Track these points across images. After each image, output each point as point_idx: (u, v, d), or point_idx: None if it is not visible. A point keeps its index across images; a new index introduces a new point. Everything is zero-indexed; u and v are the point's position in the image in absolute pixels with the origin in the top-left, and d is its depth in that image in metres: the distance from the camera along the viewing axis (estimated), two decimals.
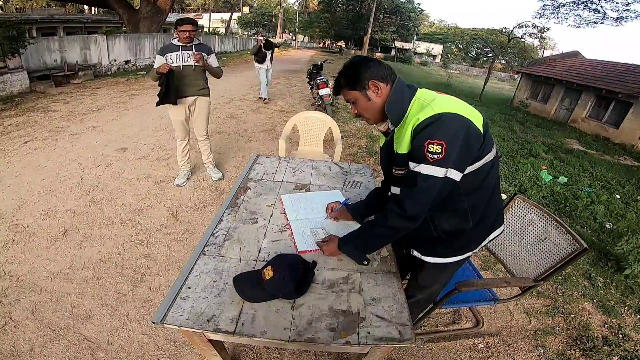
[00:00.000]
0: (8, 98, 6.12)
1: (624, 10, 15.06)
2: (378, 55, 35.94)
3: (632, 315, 2.36)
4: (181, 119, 3.10)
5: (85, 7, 23.22)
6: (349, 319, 1.08)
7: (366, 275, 1.28)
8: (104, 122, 5.15)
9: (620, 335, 2.15)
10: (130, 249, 2.49)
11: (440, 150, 1.01)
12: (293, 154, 3.14)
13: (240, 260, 1.30)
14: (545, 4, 17.50)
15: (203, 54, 2.93)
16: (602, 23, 16.33)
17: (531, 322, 2.19)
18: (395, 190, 1.25)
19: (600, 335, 2.14)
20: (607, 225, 3.66)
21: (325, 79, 6.51)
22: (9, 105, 5.71)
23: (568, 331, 2.15)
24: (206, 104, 3.19)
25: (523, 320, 2.20)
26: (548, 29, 20.02)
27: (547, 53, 32.48)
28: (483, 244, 1.34)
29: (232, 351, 1.79)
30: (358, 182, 2.05)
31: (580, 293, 2.51)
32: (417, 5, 37.73)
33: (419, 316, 1.75)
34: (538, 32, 19.97)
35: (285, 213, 1.63)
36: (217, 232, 1.45)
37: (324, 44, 54.02)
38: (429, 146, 1.02)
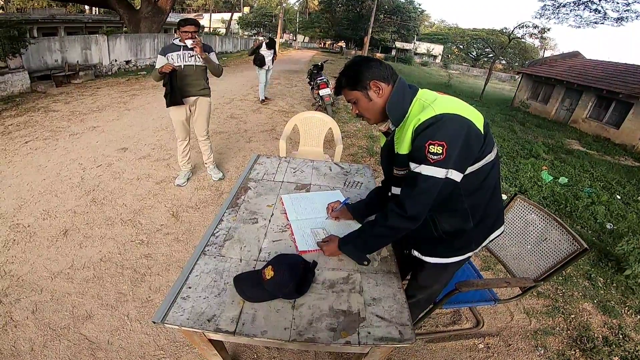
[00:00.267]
0: (9, 98, 6.13)
1: (625, 11, 15.05)
2: (378, 55, 35.92)
3: (633, 316, 2.36)
4: (182, 119, 3.10)
5: (86, 7, 23.26)
6: (349, 319, 1.09)
7: (366, 275, 1.28)
8: (104, 122, 5.15)
9: (621, 336, 2.15)
10: (131, 248, 2.50)
11: (441, 151, 1.01)
12: (293, 154, 3.15)
13: (241, 260, 1.30)
14: (545, 4, 17.48)
15: (200, 64, 2.95)
16: (602, 23, 16.31)
17: (531, 323, 2.19)
18: (396, 190, 1.25)
19: (600, 336, 2.14)
20: (608, 226, 3.66)
21: (325, 79, 6.51)
22: (10, 105, 5.72)
23: (568, 331, 2.15)
24: (207, 104, 3.19)
25: (523, 321, 2.20)
26: (548, 29, 19.98)
27: (547, 53, 32.50)
28: (484, 244, 1.34)
29: (232, 351, 1.79)
30: (358, 182, 2.05)
31: (580, 293, 2.51)
32: (417, 6, 37.69)
33: (419, 316, 1.75)
34: (538, 32, 19.95)
35: (285, 213, 1.64)
36: (217, 232, 1.46)
37: (325, 44, 54.05)
38: (430, 147, 1.02)
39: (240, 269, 1.25)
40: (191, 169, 3.59)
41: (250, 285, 1.13)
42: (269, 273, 1.12)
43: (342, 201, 1.65)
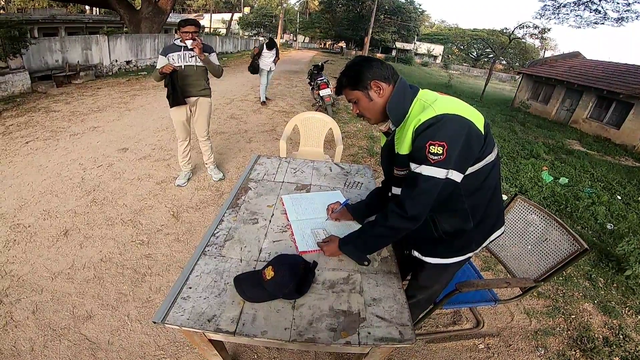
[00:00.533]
0: (9, 98, 6.14)
1: (625, 11, 15.05)
2: (379, 56, 35.90)
3: (633, 316, 2.36)
4: (182, 119, 3.11)
5: (87, 7, 23.30)
6: (349, 319, 1.09)
7: (366, 276, 1.28)
8: (105, 123, 5.16)
9: (621, 336, 2.15)
10: (131, 249, 2.50)
11: (441, 152, 1.01)
12: (294, 154, 3.15)
13: (241, 261, 1.30)
14: (545, 5, 17.50)
15: (200, 64, 2.95)
16: (602, 24, 16.32)
17: (532, 323, 2.19)
18: (396, 190, 1.25)
19: (601, 336, 2.14)
20: (608, 226, 3.66)
21: (326, 80, 6.51)
22: (11, 105, 5.73)
23: (569, 332, 2.15)
24: (207, 104, 3.19)
25: (524, 321, 2.20)
26: (549, 30, 20.01)
27: (548, 53, 32.50)
28: (484, 244, 1.34)
29: (232, 351, 1.79)
30: (359, 182, 2.05)
31: (581, 294, 2.51)
32: (417, 6, 37.72)
33: (420, 317, 1.75)
34: (539, 32, 19.98)
35: (286, 213, 1.64)
36: (218, 232, 1.46)
37: (325, 44, 54.09)
38: (430, 147, 1.02)
39: (240, 269, 1.25)
40: (191, 170, 3.59)
41: (250, 286, 1.13)
42: (269, 273, 1.12)
43: (342, 202, 1.65)
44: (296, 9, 45.12)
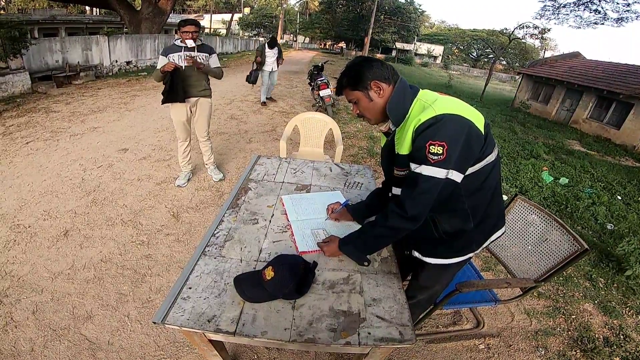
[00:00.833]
0: (10, 98, 6.15)
1: (625, 11, 15.06)
2: (379, 56, 35.92)
3: (634, 316, 2.35)
4: (183, 119, 3.11)
5: (87, 8, 23.31)
6: (349, 320, 1.08)
7: (367, 276, 1.28)
8: (105, 123, 5.16)
9: (622, 336, 2.15)
10: (131, 249, 2.50)
11: (441, 152, 1.01)
12: (294, 154, 3.15)
13: (241, 261, 1.30)
14: (545, 5, 17.51)
15: (202, 56, 2.94)
16: (602, 24, 16.33)
17: (532, 323, 2.18)
18: (396, 190, 1.25)
19: (601, 336, 2.13)
20: (608, 226, 3.66)
21: (326, 80, 6.51)
22: (11, 105, 5.73)
23: (569, 332, 2.15)
24: (208, 104, 3.19)
25: (524, 321, 2.20)
26: (549, 30, 20.01)
27: (548, 54, 32.49)
28: (484, 245, 1.34)
29: (232, 351, 1.79)
30: (359, 183, 2.05)
31: (581, 294, 2.51)
32: (417, 6, 37.72)
33: (420, 317, 1.75)
34: (539, 32, 19.98)
35: (286, 214, 1.64)
36: (218, 232, 1.46)
37: (325, 45, 54.10)
38: (430, 147, 1.02)
39: (240, 269, 1.25)
40: (192, 170, 3.59)
41: (250, 286, 1.13)
42: (269, 273, 1.12)
43: (342, 202, 1.65)
44: (296, 9, 45.19)
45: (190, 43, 2.86)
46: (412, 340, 1.03)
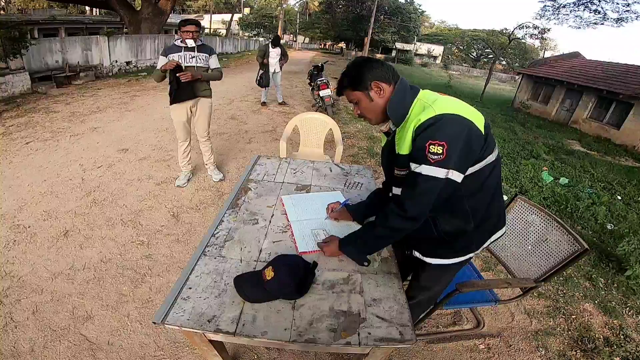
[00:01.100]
0: (10, 99, 6.14)
1: (625, 12, 15.07)
2: (379, 56, 35.89)
3: (634, 316, 2.35)
4: (183, 120, 3.11)
5: (87, 8, 23.31)
6: (349, 320, 1.08)
7: (367, 276, 1.28)
8: (105, 123, 5.16)
9: (622, 336, 2.14)
10: (131, 249, 2.50)
11: (441, 151, 1.01)
12: (294, 155, 3.15)
13: (241, 261, 1.30)
14: (545, 5, 17.52)
15: (201, 57, 2.95)
16: (602, 24, 16.34)
17: (532, 323, 2.18)
18: (397, 190, 1.25)
19: (601, 336, 2.13)
20: (608, 226, 3.66)
21: (326, 80, 6.51)
22: (11, 106, 5.73)
23: (569, 332, 2.15)
24: (208, 105, 3.19)
25: (524, 321, 2.20)
26: (549, 30, 20.01)
27: (547, 54, 32.49)
28: (485, 245, 1.34)
29: (232, 352, 1.79)
30: (359, 183, 2.05)
31: (581, 294, 2.51)
32: (417, 7, 37.73)
33: (420, 317, 1.75)
34: (539, 33, 19.98)
35: (286, 214, 1.64)
36: (217, 232, 1.46)
37: (325, 45, 54.13)
38: (430, 147, 1.02)
39: (240, 269, 1.25)
40: (192, 170, 3.60)
41: (250, 286, 1.13)
42: (269, 274, 1.12)
43: (341, 202, 1.65)
44: (296, 9, 45.18)
45: (190, 43, 2.86)
46: (412, 341, 1.03)
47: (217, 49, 18.77)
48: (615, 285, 2.66)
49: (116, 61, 10.21)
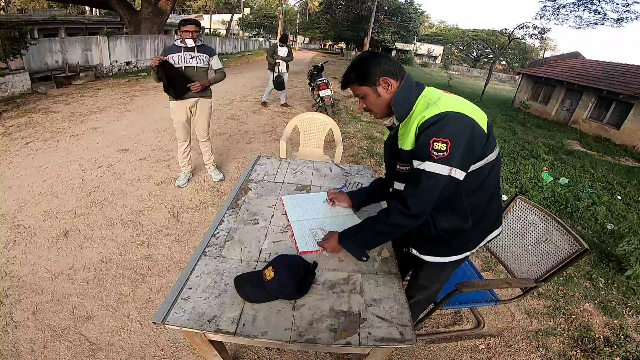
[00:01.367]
0: (10, 99, 6.14)
1: (625, 12, 15.07)
2: None
3: (634, 316, 2.36)
4: (183, 120, 3.11)
5: (87, 8, 23.32)
6: (349, 320, 1.08)
7: (367, 276, 1.28)
8: (105, 123, 5.16)
9: (622, 336, 2.15)
10: (131, 250, 2.50)
11: (445, 148, 1.01)
12: (294, 155, 3.15)
13: (241, 261, 1.30)
14: (545, 5, 17.53)
15: (201, 57, 2.95)
16: (602, 24, 16.34)
17: (532, 323, 2.18)
18: (398, 185, 1.26)
19: (601, 336, 2.13)
20: (609, 226, 3.66)
21: (326, 80, 6.51)
22: (11, 106, 5.73)
23: (569, 332, 2.15)
24: (208, 105, 3.19)
25: (524, 321, 2.20)
26: (548, 30, 20.03)
27: (547, 54, 32.50)
28: (481, 244, 1.35)
29: (232, 352, 1.79)
30: (359, 183, 2.05)
31: (581, 294, 2.51)
32: (417, 7, 37.72)
33: (420, 317, 1.75)
34: (539, 33, 19.99)
35: (286, 214, 1.64)
36: (218, 232, 1.46)
37: (325, 45, 54.15)
38: (434, 144, 1.02)
39: (240, 269, 1.25)
40: (192, 170, 3.60)
41: (250, 286, 1.13)
42: (269, 274, 1.12)
43: (338, 188, 1.77)
44: (296, 9, 45.17)
45: (190, 43, 2.86)
46: (412, 341, 1.03)
47: (217, 49, 18.77)
48: (616, 285, 2.67)
49: (116, 61, 10.21)
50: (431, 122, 1.04)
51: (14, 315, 1.88)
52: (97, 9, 22.84)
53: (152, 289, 2.15)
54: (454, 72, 34.53)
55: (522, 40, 25.54)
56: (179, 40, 2.90)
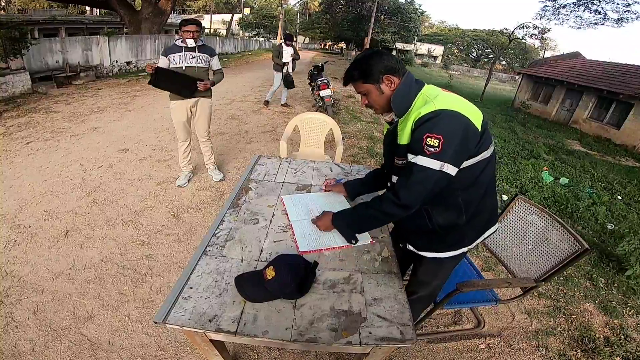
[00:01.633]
0: (10, 99, 6.14)
1: (625, 12, 15.06)
2: None
3: (634, 316, 2.36)
4: (183, 120, 3.11)
5: (87, 8, 23.33)
6: (350, 319, 1.09)
7: (367, 276, 1.28)
8: (105, 123, 5.16)
9: (622, 336, 2.15)
10: (132, 249, 2.50)
11: (437, 144, 1.06)
12: (294, 155, 3.15)
13: (242, 261, 1.30)
14: (545, 5, 17.52)
15: (202, 57, 2.96)
16: (602, 24, 16.33)
17: (533, 323, 2.19)
18: (396, 179, 1.30)
19: (602, 336, 2.14)
20: (609, 226, 3.66)
21: (326, 80, 6.51)
22: (11, 106, 5.73)
23: (570, 332, 2.15)
24: (208, 105, 3.20)
25: (524, 321, 2.20)
26: (549, 30, 20.00)
27: (548, 54, 32.50)
28: (477, 241, 1.38)
29: (233, 352, 1.79)
30: None
31: (581, 294, 2.51)
32: (417, 7, 37.70)
33: (420, 317, 1.75)
34: (539, 33, 19.98)
35: (286, 213, 1.64)
36: (218, 232, 1.46)
37: (325, 45, 54.15)
38: (427, 139, 1.07)
39: (241, 269, 1.25)
40: (192, 170, 3.60)
41: (251, 286, 1.13)
42: (270, 273, 1.12)
43: (337, 179, 1.85)
44: (296, 9, 45.17)
45: (190, 43, 2.86)
46: (413, 340, 1.03)
47: (217, 49, 18.76)
48: (616, 285, 2.67)
49: (116, 61, 10.20)
50: (426, 118, 1.09)
51: (14, 315, 1.89)
52: (98, 9, 22.86)
53: (153, 289, 2.16)
54: (454, 72, 34.51)
55: (523, 41, 25.54)
56: (179, 40, 2.90)
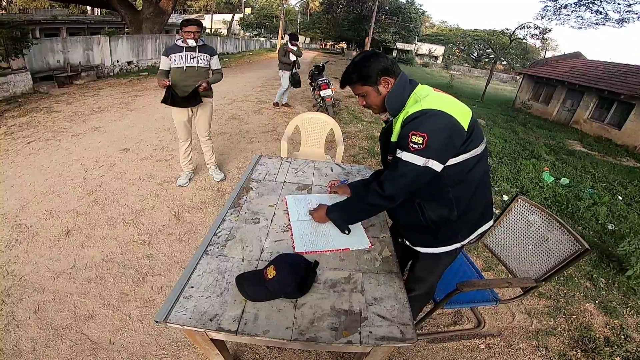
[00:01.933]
0: (11, 98, 6.15)
1: (626, 12, 15.03)
2: None
3: (634, 317, 2.35)
4: (184, 119, 3.11)
5: (88, 8, 23.35)
6: (350, 319, 1.09)
7: (368, 275, 1.29)
8: (106, 123, 5.17)
9: (622, 336, 2.15)
10: (133, 249, 2.50)
11: (421, 142, 1.12)
12: (295, 154, 3.15)
13: (243, 260, 1.31)
14: (546, 5, 17.49)
15: (202, 57, 2.96)
16: (604, 24, 16.29)
17: (533, 323, 2.19)
18: None
19: (602, 336, 2.14)
20: (609, 227, 3.65)
21: (327, 80, 6.51)
22: (13, 105, 5.74)
23: (570, 332, 2.15)
24: (209, 105, 3.20)
25: (525, 321, 2.20)
26: (550, 30, 19.98)
27: (549, 54, 32.46)
28: (472, 236, 1.40)
29: (233, 351, 1.79)
30: None
31: (582, 294, 2.51)
32: (418, 7, 37.69)
33: (421, 317, 1.76)
34: (540, 33, 19.96)
35: (287, 213, 1.64)
36: (219, 232, 1.46)
37: (326, 45, 54.13)
38: (413, 137, 1.13)
39: (242, 268, 1.26)
40: (193, 170, 3.60)
41: (252, 285, 1.13)
42: (271, 273, 1.12)
43: (342, 180, 1.88)
44: (297, 9, 45.15)
45: (191, 43, 2.87)
46: (413, 339, 1.04)
47: (218, 49, 18.77)
48: (616, 285, 2.66)
49: (117, 61, 10.21)
50: (413, 117, 1.16)
51: (15, 314, 1.89)
52: (99, 9, 22.87)
53: (154, 288, 2.16)
54: (455, 72, 34.50)
55: (524, 41, 25.55)
56: (180, 40, 2.91)
